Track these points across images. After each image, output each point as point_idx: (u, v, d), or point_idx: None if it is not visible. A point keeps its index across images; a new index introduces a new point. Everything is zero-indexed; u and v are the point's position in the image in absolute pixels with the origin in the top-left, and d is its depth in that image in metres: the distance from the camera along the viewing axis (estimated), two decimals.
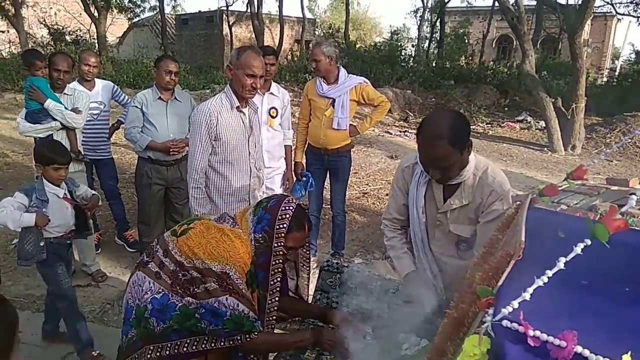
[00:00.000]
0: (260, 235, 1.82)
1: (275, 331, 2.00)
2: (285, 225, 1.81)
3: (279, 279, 1.87)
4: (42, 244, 2.76)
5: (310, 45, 25.25)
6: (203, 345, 1.78)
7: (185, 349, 1.78)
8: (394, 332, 2.01)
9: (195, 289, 1.75)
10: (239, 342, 1.76)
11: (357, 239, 5.10)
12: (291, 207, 1.84)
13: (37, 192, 2.77)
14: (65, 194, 2.92)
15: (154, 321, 1.78)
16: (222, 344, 1.78)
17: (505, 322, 0.88)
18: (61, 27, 23.03)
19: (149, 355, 1.81)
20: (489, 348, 0.90)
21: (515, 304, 0.89)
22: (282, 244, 1.82)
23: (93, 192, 3.12)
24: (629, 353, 0.81)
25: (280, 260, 1.84)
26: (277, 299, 1.89)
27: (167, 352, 1.79)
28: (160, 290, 1.79)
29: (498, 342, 0.88)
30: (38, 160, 2.84)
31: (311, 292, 2.35)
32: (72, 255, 3.21)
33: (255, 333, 1.76)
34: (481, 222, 2.00)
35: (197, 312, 1.74)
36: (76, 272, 4.07)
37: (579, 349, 0.83)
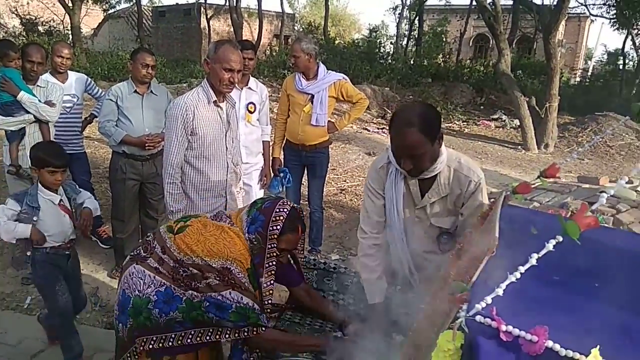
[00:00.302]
0: (254, 236, 1.83)
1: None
2: (278, 227, 1.82)
3: (272, 281, 1.86)
4: (28, 253, 2.58)
5: (290, 40, 25.21)
6: (208, 337, 1.79)
7: (189, 340, 1.79)
8: (370, 328, 2.02)
9: (197, 284, 1.75)
10: (246, 334, 1.75)
11: (335, 236, 5.11)
12: (285, 210, 1.85)
13: (28, 198, 2.57)
14: (61, 200, 2.68)
15: (156, 312, 1.78)
16: (227, 336, 1.79)
17: (478, 318, 0.90)
18: (34, 17, 22.41)
19: (150, 346, 1.80)
20: (462, 343, 0.91)
21: (489, 299, 0.91)
22: (275, 245, 1.82)
23: (93, 201, 2.84)
24: (597, 347, 0.83)
25: (274, 262, 1.84)
26: (270, 301, 1.89)
27: (171, 343, 1.79)
28: (163, 284, 1.79)
29: (472, 337, 0.90)
30: (33, 162, 2.63)
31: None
32: (76, 267, 2.92)
33: (263, 328, 1.77)
34: (464, 214, 2.02)
35: (202, 305, 1.74)
36: None
37: (549, 343, 0.84)
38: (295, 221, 1.88)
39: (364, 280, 2.13)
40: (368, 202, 2.19)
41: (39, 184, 2.62)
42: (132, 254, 1.93)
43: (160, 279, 1.80)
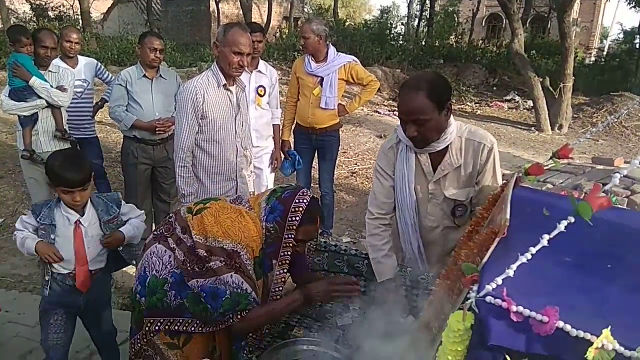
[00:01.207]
0: (271, 225, 1.82)
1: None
2: (297, 218, 1.81)
3: (286, 269, 1.86)
4: (47, 278, 2.22)
5: (299, 22, 24.94)
6: (208, 328, 1.79)
7: (192, 329, 1.80)
8: (381, 310, 2.03)
9: (202, 268, 1.75)
10: (231, 321, 1.76)
11: (345, 218, 5.12)
12: (305, 200, 1.83)
13: (44, 211, 2.20)
14: (79, 220, 2.21)
15: (172, 295, 1.79)
16: (221, 326, 1.79)
17: (488, 298, 0.89)
18: (43, 3, 22.43)
19: (157, 327, 1.82)
20: (472, 323, 0.91)
21: (499, 280, 0.90)
22: (293, 236, 1.82)
23: (134, 227, 2.33)
24: (609, 328, 0.83)
25: (289, 252, 1.84)
26: (280, 288, 1.89)
27: (177, 327, 1.80)
28: (178, 267, 1.80)
29: (482, 318, 0.90)
30: (47, 174, 2.19)
31: None
32: (99, 307, 2.44)
33: (246, 310, 1.76)
34: (480, 183, 2.01)
35: (201, 297, 1.74)
36: None
37: (560, 324, 0.84)
38: (314, 212, 1.86)
39: (372, 260, 2.13)
40: (376, 183, 2.19)
41: (60, 200, 2.22)
42: (155, 233, 1.93)
43: (175, 262, 1.81)
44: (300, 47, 4.29)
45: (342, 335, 1.97)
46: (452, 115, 1.97)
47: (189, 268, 1.77)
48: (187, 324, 1.80)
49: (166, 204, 4.04)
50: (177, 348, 1.83)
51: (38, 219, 2.18)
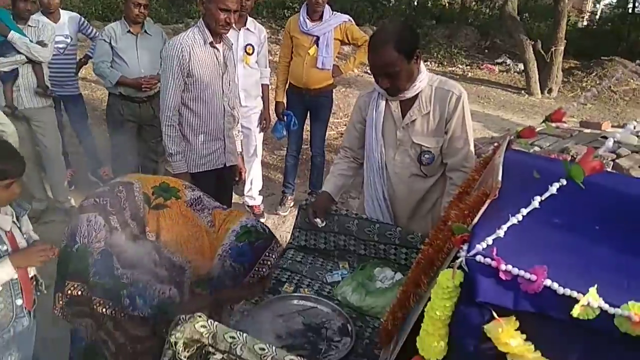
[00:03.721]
0: (238, 266, 1.76)
1: None
2: (263, 272, 1.78)
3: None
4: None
5: None
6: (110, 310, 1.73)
7: (103, 310, 1.72)
8: (370, 267, 2.07)
9: (140, 264, 1.68)
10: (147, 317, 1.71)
11: None
12: (274, 257, 1.80)
13: None
14: (13, 222, 1.85)
15: (92, 271, 1.71)
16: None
17: (478, 257, 0.91)
18: None
19: (70, 292, 1.75)
20: (462, 282, 0.93)
21: (490, 240, 0.92)
22: (253, 281, 1.79)
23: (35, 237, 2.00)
24: (595, 286, 0.85)
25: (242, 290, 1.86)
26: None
27: (92, 302, 1.74)
28: (112, 246, 1.70)
29: (471, 276, 0.91)
30: None
31: (289, 230, 2.38)
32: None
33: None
34: (450, 132, 2.05)
35: (126, 288, 1.68)
36: (49, 208, 4.04)
37: (548, 282, 0.86)
38: (272, 269, 1.85)
39: (326, 180, 2.36)
40: (347, 129, 2.34)
41: None
42: (97, 201, 1.76)
43: (112, 242, 1.70)
44: (291, 4, 4.14)
45: (331, 290, 2.01)
46: (422, 64, 2.03)
47: (127, 256, 1.69)
48: (99, 304, 1.72)
49: (154, 162, 4.01)
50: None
51: None
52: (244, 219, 1.83)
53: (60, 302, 1.82)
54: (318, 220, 2.17)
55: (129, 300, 1.67)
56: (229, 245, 1.76)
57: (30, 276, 1.86)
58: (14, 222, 1.83)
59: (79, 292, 1.77)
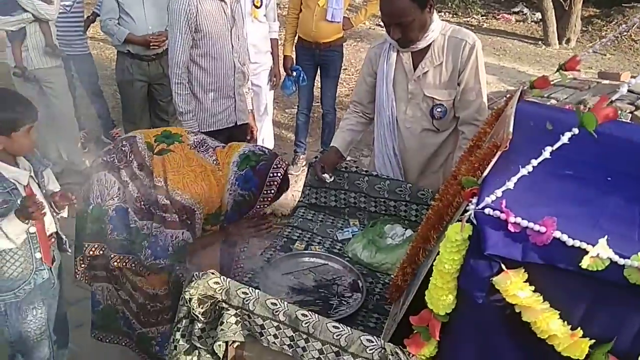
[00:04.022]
0: (246, 193, 1.80)
1: None
2: (272, 192, 1.80)
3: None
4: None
5: None
6: (130, 263, 1.81)
7: (124, 264, 1.81)
8: (380, 223, 2.08)
9: (155, 213, 1.72)
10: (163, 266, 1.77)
11: None
12: (279, 173, 1.81)
13: None
14: (31, 177, 1.85)
15: (109, 228, 1.78)
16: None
17: (487, 210, 0.90)
18: None
19: (92, 252, 1.84)
20: (470, 235, 0.92)
21: (499, 192, 0.91)
22: (266, 205, 1.84)
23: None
24: (605, 237, 0.84)
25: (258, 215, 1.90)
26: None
27: (110, 259, 1.81)
28: (126, 202, 1.76)
29: (479, 229, 0.91)
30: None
31: (300, 188, 2.39)
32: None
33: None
34: (462, 83, 2.00)
35: (147, 239, 1.73)
36: (64, 171, 4.09)
37: (557, 234, 0.85)
38: (284, 183, 1.86)
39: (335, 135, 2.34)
40: (359, 81, 2.29)
41: None
42: (105, 159, 1.81)
43: (125, 196, 1.76)
44: None
45: (342, 248, 2.03)
46: (435, 13, 1.96)
47: (143, 207, 1.74)
48: (118, 260, 1.81)
49: (165, 122, 4.00)
50: (142, 276, 1.84)
51: None
52: (242, 148, 1.87)
53: (83, 266, 1.91)
54: (326, 175, 2.16)
55: (150, 250, 1.72)
56: (234, 176, 1.81)
57: (49, 233, 1.90)
58: (31, 176, 1.84)
59: (98, 252, 1.84)
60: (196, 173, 1.76)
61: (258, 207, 1.82)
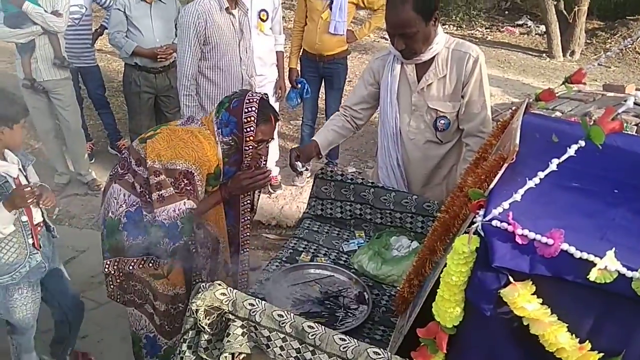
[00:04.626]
0: (229, 139, 1.84)
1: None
2: (252, 127, 1.83)
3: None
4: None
5: None
6: (150, 264, 1.87)
7: (131, 267, 1.87)
8: (386, 235, 2.07)
9: (151, 196, 1.75)
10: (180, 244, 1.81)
11: (351, 148, 5.11)
12: (254, 107, 1.83)
13: None
14: (20, 170, 2.00)
15: (125, 235, 1.82)
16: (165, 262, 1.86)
17: (495, 222, 0.90)
18: None
19: (107, 269, 1.90)
20: (477, 247, 0.92)
21: (506, 204, 0.91)
22: (252, 145, 1.86)
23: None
24: (613, 249, 0.84)
25: (253, 159, 1.93)
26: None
27: (131, 267, 1.87)
28: (135, 203, 1.81)
29: (487, 241, 0.91)
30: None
31: (305, 199, 2.39)
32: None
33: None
34: (466, 96, 2.01)
35: (161, 229, 1.76)
36: (72, 181, 4.12)
37: (565, 246, 0.85)
38: (266, 112, 1.88)
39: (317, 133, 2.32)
40: (356, 87, 2.29)
41: None
42: (111, 173, 1.93)
43: (134, 197, 1.81)
44: None
45: (348, 259, 2.03)
46: (439, 26, 1.97)
47: (148, 199, 1.78)
48: (132, 264, 1.86)
49: None
50: (163, 277, 1.88)
51: None
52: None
53: (113, 286, 1.96)
54: (299, 163, 2.16)
55: (167, 238, 1.76)
56: (216, 126, 1.85)
57: (36, 222, 2.04)
58: (20, 169, 2.01)
59: (113, 267, 1.89)
60: (185, 140, 1.79)
61: (247, 148, 1.85)
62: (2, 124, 1.89)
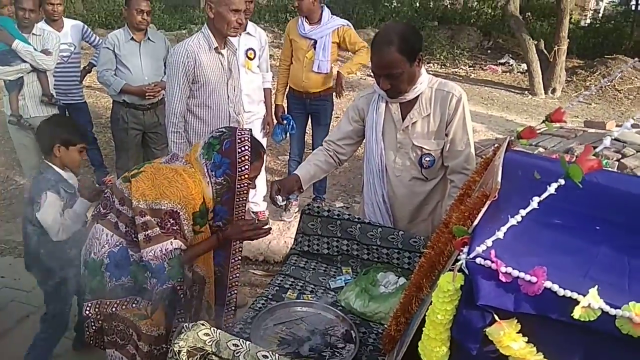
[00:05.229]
0: (222, 179, 1.83)
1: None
2: (247, 166, 1.84)
3: (244, 211, 1.95)
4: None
5: None
6: (132, 305, 1.83)
7: (114, 309, 1.82)
8: (373, 271, 2.06)
9: (137, 236, 1.72)
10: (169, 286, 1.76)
11: (339, 184, 5.13)
12: (246, 145, 1.83)
13: (61, 184, 2.28)
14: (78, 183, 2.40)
15: (107, 276, 1.78)
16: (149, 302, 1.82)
17: (478, 260, 0.91)
18: None
19: (87, 312, 1.84)
20: (462, 284, 0.92)
21: (489, 242, 0.91)
22: (247, 183, 1.87)
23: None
24: (596, 287, 0.84)
25: (245, 196, 1.91)
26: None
27: (114, 309, 1.82)
28: (118, 243, 1.78)
29: (471, 279, 0.91)
30: (57, 141, 2.27)
31: (292, 235, 2.38)
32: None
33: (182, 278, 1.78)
34: (450, 134, 2.04)
35: (148, 269, 1.73)
36: None
37: (548, 284, 0.86)
38: (257, 149, 1.89)
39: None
40: (340, 123, 2.31)
41: (54, 167, 2.30)
42: (94, 213, 1.90)
43: (117, 237, 1.78)
44: (293, 7, 4.18)
45: (335, 296, 2.00)
46: (423, 67, 2.03)
47: (133, 239, 1.75)
48: (115, 305, 1.82)
49: None
50: (147, 318, 1.84)
51: (61, 193, 2.27)
52: (203, 141, 1.90)
53: (92, 329, 1.90)
54: (279, 197, 2.14)
55: (155, 279, 1.72)
56: (205, 168, 1.83)
57: None
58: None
59: (94, 310, 1.84)
60: (169, 178, 1.77)
61: (240, 186, 1.84)
62: (58, 142, 2.26)
